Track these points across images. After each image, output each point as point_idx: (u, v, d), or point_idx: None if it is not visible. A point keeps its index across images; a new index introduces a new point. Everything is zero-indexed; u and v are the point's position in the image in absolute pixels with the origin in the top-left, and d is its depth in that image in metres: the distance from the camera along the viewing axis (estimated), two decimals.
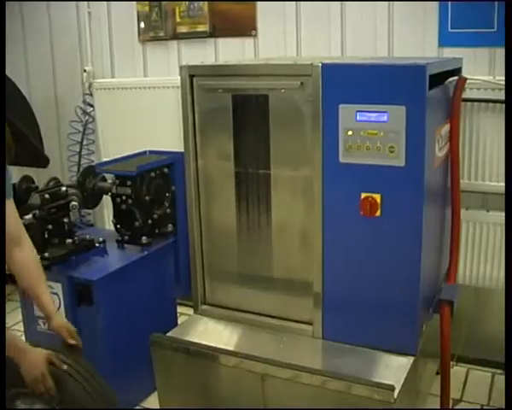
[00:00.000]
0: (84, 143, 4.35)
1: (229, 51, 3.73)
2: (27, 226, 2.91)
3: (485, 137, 3.13)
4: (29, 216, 2.91)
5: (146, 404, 3.11)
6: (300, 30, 3.56)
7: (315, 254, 2.51)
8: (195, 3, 3.75)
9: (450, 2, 3.13)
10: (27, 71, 4.54)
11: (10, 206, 2.20)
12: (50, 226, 2.97)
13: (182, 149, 2.80)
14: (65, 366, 2.16)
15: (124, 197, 3.15)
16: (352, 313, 2.49)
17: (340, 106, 2.33)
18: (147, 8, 3.92)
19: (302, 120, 2.47)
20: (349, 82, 2.33)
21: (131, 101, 3.82)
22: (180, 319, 3.40)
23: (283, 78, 2.47)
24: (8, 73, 3.73)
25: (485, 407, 3.07)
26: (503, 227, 2.96)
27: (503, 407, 1.86)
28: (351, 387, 2.29)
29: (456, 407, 3.06)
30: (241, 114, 2.62)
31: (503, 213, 2.37)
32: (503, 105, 2.81)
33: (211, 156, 2.74)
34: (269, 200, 2.64)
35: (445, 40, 3.19)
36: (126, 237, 3.22)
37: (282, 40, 3.60)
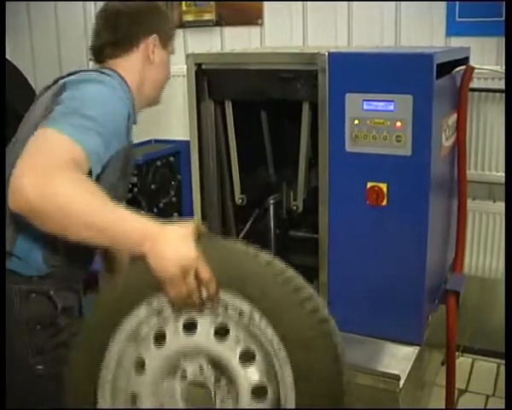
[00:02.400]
0: None
1: (235, 40, 3.72)
2: None
3: (492, 127, 3.12)
4: None
5: None
6: (307, 19, 3.54)
7: (320, 243, 2.51)
8: None
9: None
10: (33, 62, 4.54)
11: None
12: None
13: (187, 138, 2.79)
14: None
15: (129, 186, 3.15)
16: (357, 302, 2.49)
17: (347, 95, 2.32)
18: None
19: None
20: (356, 71, 2.32)
21: None
22: None
23: (290, 65, 2.46)
24: (14, 63, 3.73)
25: (490, 398, 3.08)
26: None
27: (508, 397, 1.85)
28: (356, 376, 2.28)
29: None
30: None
31: None
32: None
33: None
34: None
35: (452, 30, 3.17)
36: None
37: (289, 29, 3.58)
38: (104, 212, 1.28)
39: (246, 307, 1.33)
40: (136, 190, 3.13)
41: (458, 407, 2.99)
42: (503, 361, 3.26)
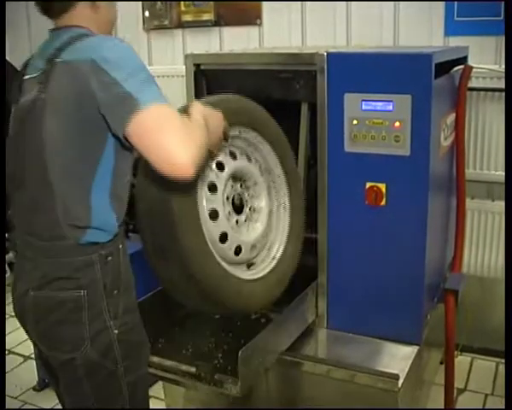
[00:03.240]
0: None
1: (234, 40, 3.73)
2: None
3: (490, 127, 3.12)
4: None
5: None
6: (305, 19, 3.55)
7: (319, 243, 2.51)
8: None
9: None
10: None
11: None
12: None
13: None
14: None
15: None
16: (356, 302, 2.49)
17: (346, 95, 2.32)
18: None
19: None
20: (354, 71, 2.32)
21: None
22: None
23: (288, 66, 2.46)
24: (12, 61, 3.73)
25: (489, 397, 3.08)
26: None
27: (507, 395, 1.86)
28: (355, 376, 2.29)
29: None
30: None
31: None
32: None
33: None
34: None
35: (451, 29, 3.18)
36: (131, 226, 3.21)
37: (288, 29, 3.59)
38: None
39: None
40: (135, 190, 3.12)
41: (457, 406, 2.99)
42: (502, 360, 3.27)
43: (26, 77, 1.76)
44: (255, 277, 2.21)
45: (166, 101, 1.62)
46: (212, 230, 2.03)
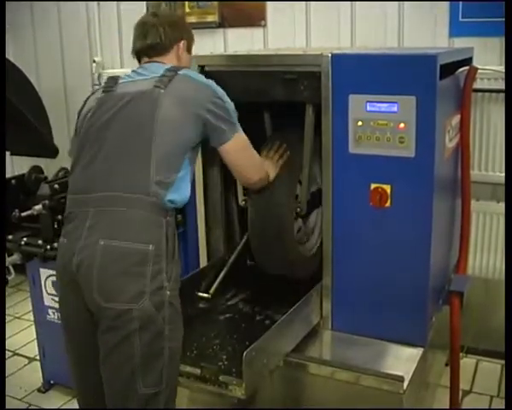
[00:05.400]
0: None
1: (239, 42, 3.73)
2: (36, 217, 2.93)
3: (495, 128, 3.12)
4: (39, 206, 2.91)
5: None
6: (310, 20, 3.55)
7: (324, 245, 2.51)
8: None
9: None
10: (36, 61, 4.55)
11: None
12: (60, 217, 2.97)
13: None
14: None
15: None
16: (361, 304, 2.49)
17: (350, 96, 2.32)
18: None
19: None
20: (359, 72, 2.32)
21: None
22: None
23: (293, 67, 2.46)
24: (16, 63, 3.74)
25: (494, 398, 3.07)
26: None
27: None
28: (360, 378, 2.29)
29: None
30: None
31: None
32: None
33: None
34: None
35: (455, 30, 3.17)
36: None
37: (292, 31, 3.59)
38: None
39: None
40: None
41: (462, 408, 2.99)
42: None
43: (126, 80, 2.16)
44: (310, 254, 2.80)
45: None
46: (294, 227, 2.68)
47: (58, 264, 2.07)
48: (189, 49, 2.37)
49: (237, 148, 2.18)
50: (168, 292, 1.95)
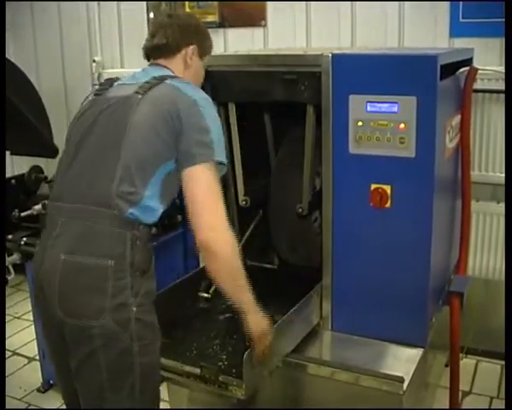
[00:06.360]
0: None
1: (239, 42, 3.73)
2: (36, 217, 2.93)
3: (496, 129, 3.12)
4: (39, 206, 2.92)
5: None
6: (310, 20, 3.55)
7: (324, 245, 2.51)
8: None
9: None
10: (36, 61, 4.55)
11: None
12: None
13: None
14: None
15: None
16: (361, 304, 2.49)
17: (351, 96, 2.32)
18: None
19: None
20: (359, 72, 2.31)
21: None
22: None
23: (293, 67, 2.46)
24: (16, 63, 3.74)
25: (494, 399, 3.07)
26: None
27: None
28: (359, 378, 2.29)
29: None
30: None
31: None
32: None
33: None
34: None
35: (456, 30, 3.17)
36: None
37: (292, 31, 3.59)
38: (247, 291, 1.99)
39: None
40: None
41: (462, 409, 2.99)
42: None
43: (120, 82, 2.11)
44: None
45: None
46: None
47: (33, 269, 2.03)
48: (201, 56, 2.23)
49: (204, 179, 1.91)
50: (134, 308, 1.86)
